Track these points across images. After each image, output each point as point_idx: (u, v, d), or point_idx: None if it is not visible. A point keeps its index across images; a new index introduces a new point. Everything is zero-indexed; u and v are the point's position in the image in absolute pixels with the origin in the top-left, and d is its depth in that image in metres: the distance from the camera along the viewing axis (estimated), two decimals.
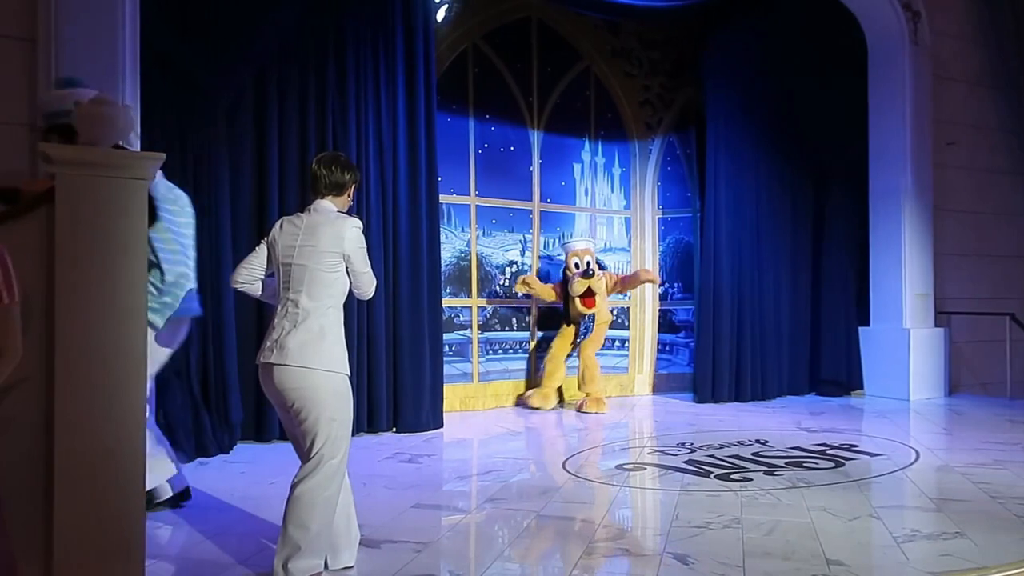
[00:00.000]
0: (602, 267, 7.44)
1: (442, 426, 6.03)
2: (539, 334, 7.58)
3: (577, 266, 7.16)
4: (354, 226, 2.85)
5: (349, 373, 2.85)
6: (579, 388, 7.25)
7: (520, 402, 7.28)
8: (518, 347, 7.47)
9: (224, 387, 5.12)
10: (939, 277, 8.05)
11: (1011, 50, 8.55)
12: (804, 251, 8.16)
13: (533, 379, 7.47)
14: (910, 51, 7.87)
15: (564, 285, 7.24)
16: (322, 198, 2.92)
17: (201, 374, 5.07)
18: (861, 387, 8.03)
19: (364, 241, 2.88)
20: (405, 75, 6.04)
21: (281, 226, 2.91)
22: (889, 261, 7.89)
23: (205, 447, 4.93)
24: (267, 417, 5.40)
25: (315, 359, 2.73)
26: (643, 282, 7.47)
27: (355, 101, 5.80)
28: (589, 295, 7.07)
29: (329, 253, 2.79)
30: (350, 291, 2.92)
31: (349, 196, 2.97)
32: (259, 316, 5.42)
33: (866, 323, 8.08)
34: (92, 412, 2.53)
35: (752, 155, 7.78)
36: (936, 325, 7.95)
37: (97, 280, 2.56)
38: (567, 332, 7.28)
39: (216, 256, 5.13)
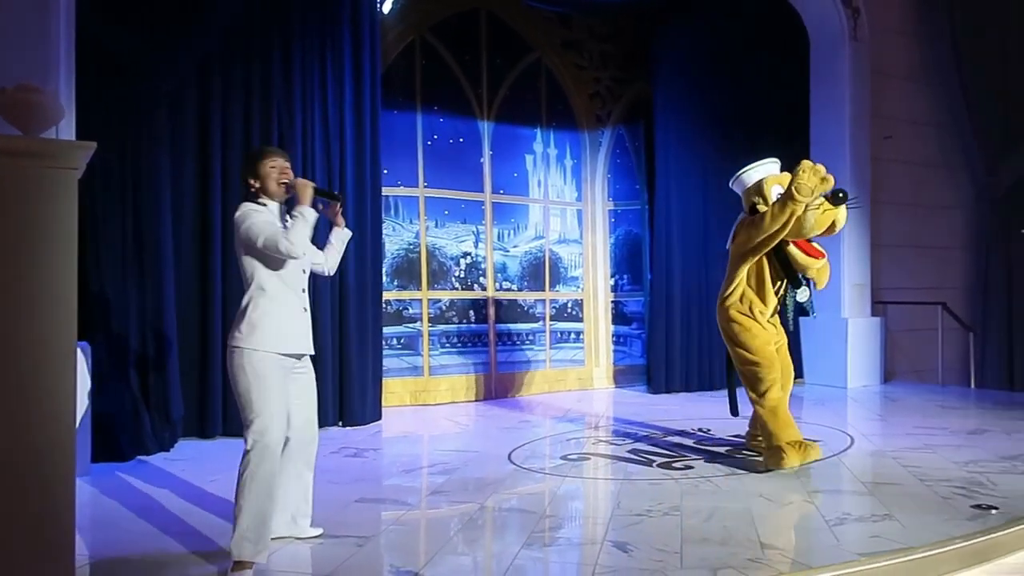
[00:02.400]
0: None
1: (380, 418, 6.03)
2: (498, 327, 7.51)
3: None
4: (237, 212, 3.03)
5: (260, 348, 2.92)
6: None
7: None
8: (476, 340, 7.39)
9: (165, 383, 5.02)
10: (876, 268, 8.30)
11: (945, 46, 8.83)
12: None
13: (493, 374, 7.40)
14: (850, 47, 8.07)
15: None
16: None
17: (140, 370, 4.96)
18: (801, 375, 8.24)
19: (248, 218, 2.99)
20: (352, 67, 5.98)
21: None
22: (828, 252, 8.05)
23: (145, 445, 4.81)
24: (210, 413, 5.32)
25: (230, 338, 2.98)
26: None
27: (301, 93, 5.72)
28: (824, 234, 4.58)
29: (237, 244, 3.04)
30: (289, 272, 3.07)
31: (256, 183, 3.09)
32: (202, 309, 5.34)
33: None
34: (18, 409, 2.46)
35: (700, 148, 7.86)
36: (873, 315, 8.20)
37: (25, 272, 2.49)
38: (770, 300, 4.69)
39: (155, 247, 5.02)
